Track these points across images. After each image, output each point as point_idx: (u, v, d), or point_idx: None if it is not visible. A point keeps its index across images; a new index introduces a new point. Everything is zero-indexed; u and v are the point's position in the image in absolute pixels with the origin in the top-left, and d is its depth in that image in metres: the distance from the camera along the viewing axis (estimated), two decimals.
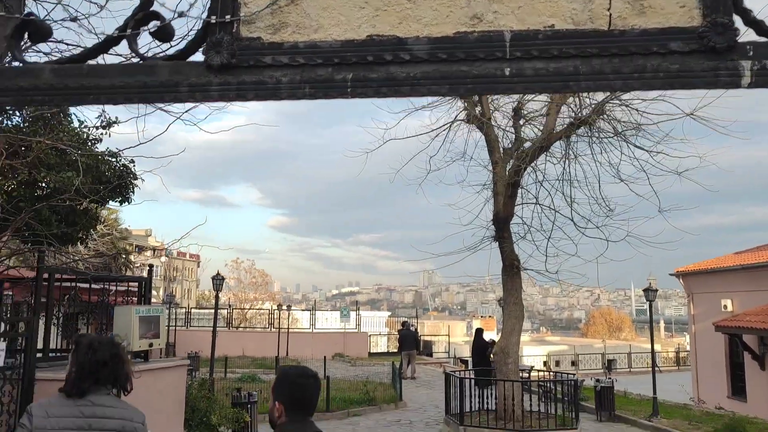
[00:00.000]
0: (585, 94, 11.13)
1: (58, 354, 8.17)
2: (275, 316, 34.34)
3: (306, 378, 2.80)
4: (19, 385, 6.92)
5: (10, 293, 11.36)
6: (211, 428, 10.47)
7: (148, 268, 9.33)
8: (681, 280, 23.30)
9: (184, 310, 34.42)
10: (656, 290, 17.51)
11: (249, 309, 42.11)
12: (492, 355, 13.01)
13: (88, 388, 3.09)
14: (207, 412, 10.53)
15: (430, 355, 33.95)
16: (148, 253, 67.21)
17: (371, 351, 33.82)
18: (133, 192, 9.30)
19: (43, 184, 8.66)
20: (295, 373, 2.85)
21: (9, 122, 8.56)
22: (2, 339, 6.85)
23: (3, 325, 6.92)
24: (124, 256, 23.34)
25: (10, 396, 6.86)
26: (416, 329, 26.65)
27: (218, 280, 16.82)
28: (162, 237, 70.58)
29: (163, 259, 70.01)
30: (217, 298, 17.11)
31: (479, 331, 17.65)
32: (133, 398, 3.14)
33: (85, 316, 8.43)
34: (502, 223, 12.94)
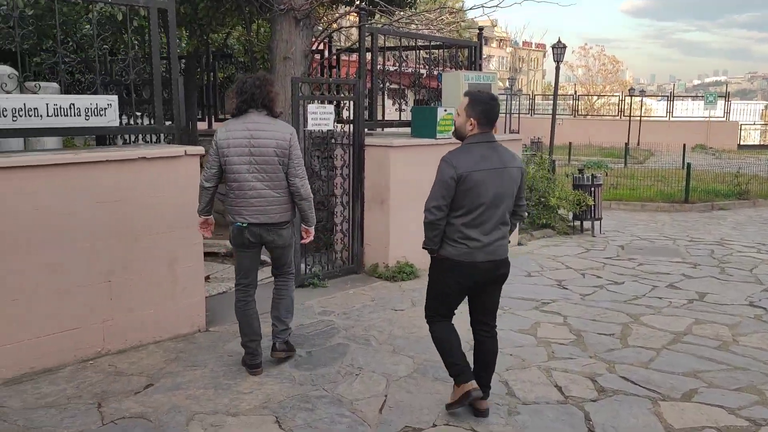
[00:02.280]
0: None
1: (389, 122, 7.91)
2: (626, 104, 31.49)
3: (490, 99, 3.65)
4: (350, 150, 6.79)
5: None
6: (550, 209, 9.69)
7: (477, 31, 8.30)
8: None
9: (527, 97, 33.65)
10: None
11: (597, 96, 39.52)
12: None
13: (246, 109, 4.25)
14: (546, 193, 9.73)
15: None
16: (494, 44, 66.98)
17: (741, 143, 29.20)
18: None
19: None
20: (487, 96, 3.69)
21: None
22: (332, 102, 6.64)
23: (333, 90, 6.69)
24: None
25: (342, 160, 6.79)
26: None
27: (559, 48, 14.99)
28: (507, 27, 69.37)
29: (509, 49, 69.27)
30: (557, 69, 15.44)
31: None
32: None
33: (414, 88, 7.90)
34: None
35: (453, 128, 7.26)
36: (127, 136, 5.79)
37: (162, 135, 5.40)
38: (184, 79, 9.00)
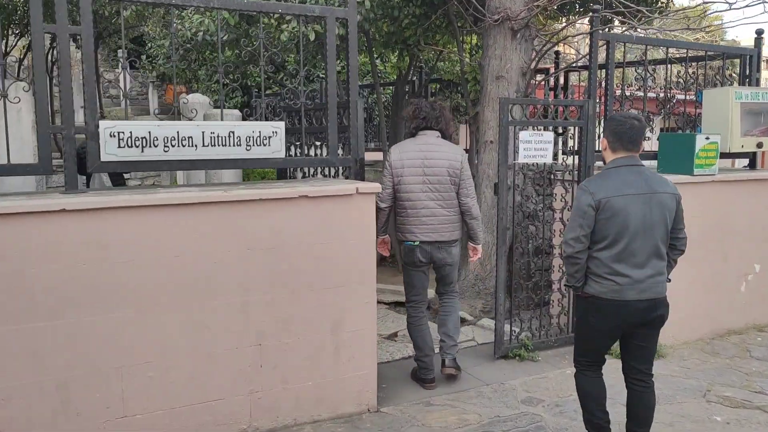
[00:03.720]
0: None
1: None
2: None
3: (627, 118, 3.31)
4: (573, 189, 5.37)
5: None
6: None
7: (755, 35, 6.35)
8: None
9: None
10: None
11: None
12: None
13: (419, 131, 4.41)
14: None
15: None
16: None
17: None
18: None
19: None
20: (620, 115, 3.40)
21: None
22: (553, 129, 5.33)
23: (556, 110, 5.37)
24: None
25: (564, 201, 5.39)
26: None
27: None
28: None
29: None
30: None
31: None
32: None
33: (663, 110, 6.22)
34: None
35: (715, 161, 5.56)
36: (306, 170, 5.07)
37: (340, 169, 4.56)
38: (392, 106, 8.28)
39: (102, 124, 3.59)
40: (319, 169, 4.93)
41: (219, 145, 3.90)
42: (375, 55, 7.86)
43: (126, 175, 7.76)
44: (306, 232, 3.88)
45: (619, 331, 3.32)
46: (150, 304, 3.51)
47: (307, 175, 5.06)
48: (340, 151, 4.55)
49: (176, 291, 3.56)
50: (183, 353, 3.62)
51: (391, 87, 9.30)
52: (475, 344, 5.45)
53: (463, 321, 5.89)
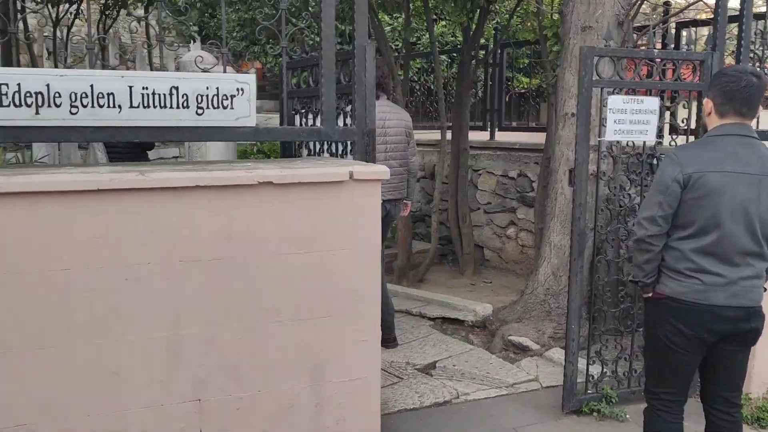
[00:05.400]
0: None
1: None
2: None
3: (743, 73, 2.53)
4: None
5: None
6: None
7: None
8: None
9: None
10: None
11: None
12: None
13: (378, 95, 4.13)
14: None
15: None
16: None
17: None
18: None
19: None
20: (732, 68, 2.63)
21: None
22: (657, 95, 3.81)
23: None
24: None
25: None
26: None
27: None
28: None
29: None
30: None
31: None
32: None
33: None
34: None
35: None
36: (311, 146, 3.79)
37: (339, 144, 3.27)
38: (457, 76, 6.88)
39: None
40: (326, 145, 3.64)
41: (155, 107, 2.69)
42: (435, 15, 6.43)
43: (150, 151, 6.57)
44: (271, 235, 2.62)
45: (703, 346, 2.58)
46: (25, 341, 2.35)
47: (313, 153, 3.79)
48: (348, 120, 3.27)
49: (68, 321, 2.40)
50: (79, 412, 2.45)
51: (456, 54, 7.86)
52: (539, 387, 4.03)
53: (525, 349, 4.50)
